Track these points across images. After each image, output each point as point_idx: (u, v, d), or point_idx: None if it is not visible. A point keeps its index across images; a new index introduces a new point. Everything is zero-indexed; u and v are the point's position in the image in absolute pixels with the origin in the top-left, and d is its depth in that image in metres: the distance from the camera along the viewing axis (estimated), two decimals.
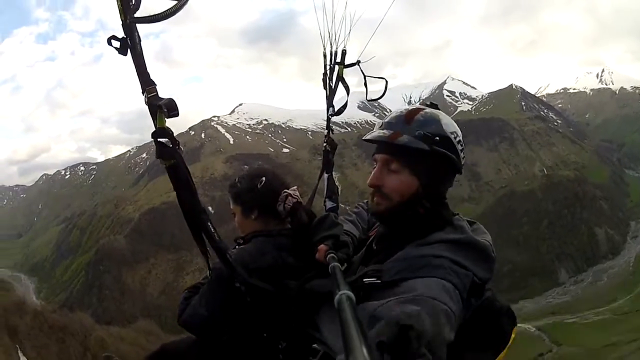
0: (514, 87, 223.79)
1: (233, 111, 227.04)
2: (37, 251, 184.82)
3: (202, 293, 2.36)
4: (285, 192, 2.44)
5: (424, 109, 1.86)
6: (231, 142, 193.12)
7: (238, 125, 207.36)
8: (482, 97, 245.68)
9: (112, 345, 18.65)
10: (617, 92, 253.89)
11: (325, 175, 3.56)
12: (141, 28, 1.61)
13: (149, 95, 1.70)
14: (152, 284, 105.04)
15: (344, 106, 3.58)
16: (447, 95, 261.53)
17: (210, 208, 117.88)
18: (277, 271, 2.15)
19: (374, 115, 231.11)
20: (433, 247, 1.70)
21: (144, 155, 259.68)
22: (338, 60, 3.51)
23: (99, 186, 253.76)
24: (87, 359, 16.16)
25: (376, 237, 2.06)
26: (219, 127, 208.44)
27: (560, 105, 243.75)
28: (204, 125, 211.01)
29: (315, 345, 1.82)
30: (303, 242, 2.14)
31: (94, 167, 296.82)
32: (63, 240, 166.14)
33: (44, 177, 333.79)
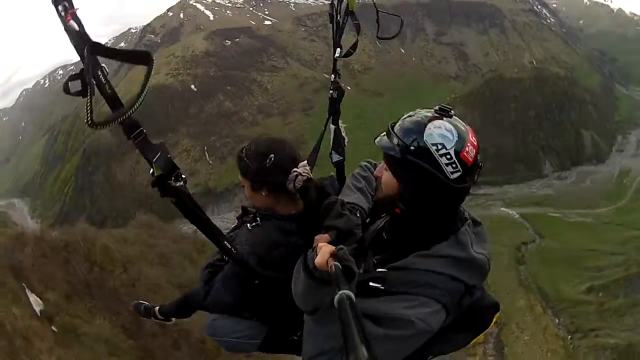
0: None
1: None
2: (26, 170, 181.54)
3: (225, 280, 2.48)
4: (295, 171, 2.42)
5: (434, 119, 1.88)
6: (211, 18, 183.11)
7: (217, 1, 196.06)
8: None
9: (117, 251, 18.89)
10: (614, 11, 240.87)
11: (332, 127, 3.28)
12: None
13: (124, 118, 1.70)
14: (141, 174, 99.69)
15: (354, 46, 3.27)
16: None
17: (192, 86, 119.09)
18: (290, 260, 2.14)
19: None
20: (436, 262, 1.89)
21: (122, 44, 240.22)
22: None
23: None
24: (94, 273, 15.71)
25: (385, 227, 2.23)
26: (198, 5, 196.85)
27: (554, 6, 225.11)
28: (183, 4, 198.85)
29: None
30: (313, 222, 2.24)
31: (72, 67, 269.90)
32: (49, 150, 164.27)
33: (24, 92, 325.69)
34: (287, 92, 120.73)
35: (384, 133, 1.99)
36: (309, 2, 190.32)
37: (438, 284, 1.86)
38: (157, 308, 4.04)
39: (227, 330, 2.80)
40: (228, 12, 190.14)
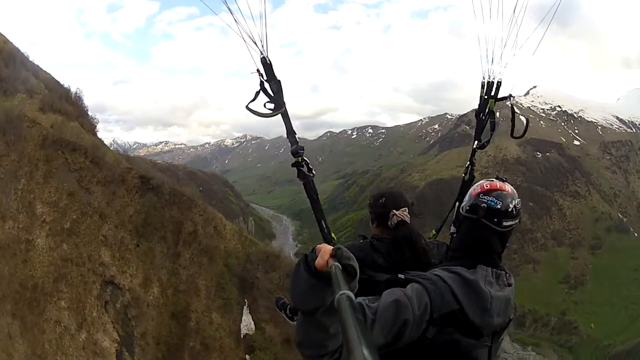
0: None
1: (527, 93, 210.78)
2: (307, 200, 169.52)
3: None
4: (393, 212, 3.11)
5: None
6: (524, 124, 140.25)
7: (532, 109, 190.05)
8: None
9: None
10: None
11: (457, 204, 3.26)
12: None
13: (291, 140, 3.26)
14: None
15: (488, 141, 4.06)
16: None
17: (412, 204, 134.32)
18: (364, 265, 2.60)
19: None
20: (449, 275, 2.27)
21: (436, 126, 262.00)
22: (492, 92, 3.96)
23: (386, 150, 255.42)
24: None
25: None
26: (514, 108, 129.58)
27: None
28: (500, 103, 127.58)
29: None
30: (395, 250, 2.95)
31: (383, 131, 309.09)
32: (338, 195, 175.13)
33: (328, 134, 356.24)
34: (582, 224, 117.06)
35: None
36: (614, 127, 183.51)
37: (438, 284, 2.21)
38: (289, 306, 4.56)
39: None
40: (542, 122, 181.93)
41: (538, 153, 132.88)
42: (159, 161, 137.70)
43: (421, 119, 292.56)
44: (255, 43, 3.17)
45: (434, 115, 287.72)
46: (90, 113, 50.37)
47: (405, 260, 2.83)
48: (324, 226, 3.23)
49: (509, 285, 2.42)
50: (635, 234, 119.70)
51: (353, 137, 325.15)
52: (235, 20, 3.15)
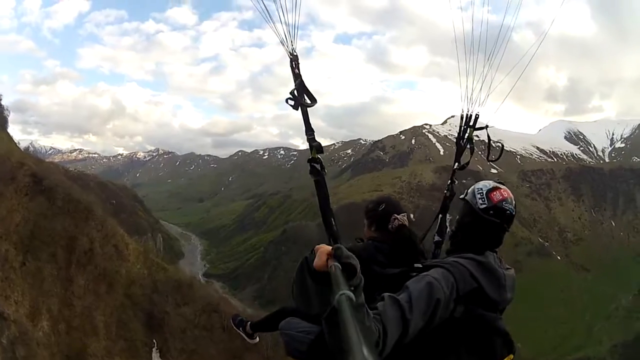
0: None
1: (445, 122, 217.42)
2: (216, 218, 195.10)
3: None
4: (395, 216, 3.40)
5: (481, 181, 2.86)
6: (441, 152, 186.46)
7: (449, 137, 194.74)
8: None
9: None
10: None
11: (440, 216, 4.42)
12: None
13: (309, 138, 3.25)
14: None
15: (467, 163, 4.62)
16: None
17: (412, 215, 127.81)
18: (369, 263, 2.96)
19: (578, 148, 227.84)
20: (464, 259, 2.54)
21: (349, 151, 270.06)
22: (471, 123, 4.61)
23: (297, 172, 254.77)
24: None
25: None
26: (430, 136, 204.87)
27: None
28: (415, 131, 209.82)
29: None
30: (397, 250, 3.23)
31: (295, 153, 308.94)
32: (248, 215, 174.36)
33: (240, 153, 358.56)
34: (501, 248, 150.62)
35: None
36: (534, 157, 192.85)
37: (458, 267, 2.48)
38: (249, 323, 4.89)
39: (294, 325, 3.40)
40: None
41: (460, 170, 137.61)
42: (71, 169, 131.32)
43: (334, 143, 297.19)
44: (284, 42, 3.43)
45: (347, 140, 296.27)
46: (6, 108, 51.09)
47: (405, 260, 3.01)
48: (334, 224, 3.23)
49: (509, 268, 2.76)
50: (559, 257, 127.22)
51: (265, 157, 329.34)
52: (269, 19, 3.45)
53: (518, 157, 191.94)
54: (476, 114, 4.58)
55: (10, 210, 31.16)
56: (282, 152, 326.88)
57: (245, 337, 4.99)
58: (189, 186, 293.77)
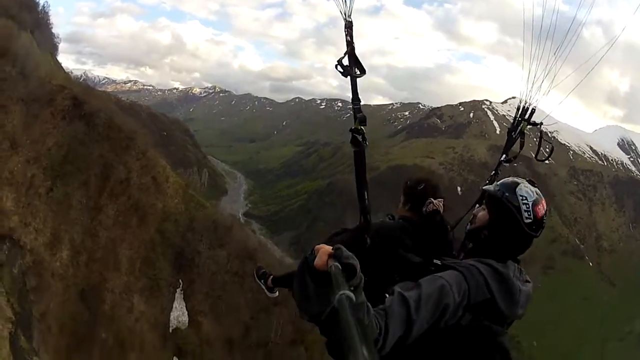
0: None
1: (505, 102, 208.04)
2: (264, 160, 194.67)
3: (345, 232, 3.50)
4: (431, 200, 3.37)
5: (525, 183, 2.62)
6: (497, 131, 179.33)
7: (508, 118, 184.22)
8: None
9: None
10: None
11: (477, 206, 3.72)
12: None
13: (354, 107, 3.02)
14: None
15: (515, 158, 4.53)
16: None
17: (459, 188, 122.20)
18: (394, 243, 3.13)
19: (629, 158, 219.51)
20: (482, 265, 2.43)
21: (407, 113, 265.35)
22: (526, 116, 4.47)
23: (352, 125, 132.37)
24: None
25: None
26: (489, 113, 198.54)
27: None
28: (474, 105, 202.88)
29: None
30: (426, 236, 3.24)
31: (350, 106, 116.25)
32: (296, 161, 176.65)
33: (297, 100, 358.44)
34: (538, 240, 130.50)
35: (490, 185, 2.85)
36: (585, 156, 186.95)
37: (473, 273, 2.37)
38: (271, 276, 4.96)
39: None
40: (513, 133, 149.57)
41: (506, 163, 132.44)
42: (123, 98, 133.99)
43: (393, 103, 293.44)
44: (340, 5, 3.18)
45: (406, 102, 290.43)
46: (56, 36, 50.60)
47: (432, 247, 3.03)
48: (366, 198, 3.05)
49: (528, 282, 2.63)
50: (590, 264, 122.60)
51: (322, 107, 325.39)
52: None
53: (570, 152, 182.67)
54: (533, 108, 4.45)
55: (43, 134, 29.92)
56: (339, 104, 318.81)
57: (265, 290, 5.07)
58: (242, 126, 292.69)
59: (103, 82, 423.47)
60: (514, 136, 4.56)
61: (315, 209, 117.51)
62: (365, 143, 2.95)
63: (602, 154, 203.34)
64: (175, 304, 34.04)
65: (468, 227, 2.83)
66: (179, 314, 34.03)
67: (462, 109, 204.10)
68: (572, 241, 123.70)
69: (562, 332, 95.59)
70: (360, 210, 3.09)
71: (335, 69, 2.97)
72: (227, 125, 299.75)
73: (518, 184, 2.60)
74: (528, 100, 4.40)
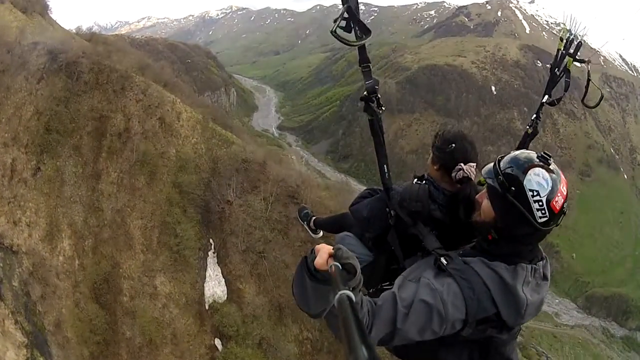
0: None
1: (533, 1, 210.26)
2: (292, 71, 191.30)
3: (371, 200, 3.39)
4: (460, 166, 2.97)
5: (535, 167, 2.20)
6: (527, 31, 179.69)
7: (536, 17, 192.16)
8: None
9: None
10: None
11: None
12: None
13: (363, 70, 2.64)
14: (407, 138, 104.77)
15: (559, 99, 3.83)
16: None
17: (493, 88, 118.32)
18: (419, 216, 2.88)
19: None
20: (489, 275, 2.25)
21: (432, 12, 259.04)
22: (571, 50, 3.78)
23: (377, 28, 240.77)
24: None
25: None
26: (517, 12, 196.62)
27: None
28: (502, 3, 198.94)
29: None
30: (454, 207, 2.85)
31: (376, 9, 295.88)
32: (325, 68, 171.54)
33: (318, 7, 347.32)
34: (575, 146, 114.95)
35: (492, 163, 2.37)
36: (616, 63, 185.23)
37: (476, 289, 2.21)
38: (314, 218, 4.91)
39: (347, 242, 3.38)
40: (544, 33, 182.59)
41: (538, 62, 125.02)
42: (137, 36, 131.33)
43: (417, 3, 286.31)
44: None
45: (430, 2, 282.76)
46: None
47: (460, 217, 2.80)
48: (386, 171, 2.94)
49: (545, 279, 2.43)
50: (625, 176, 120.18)
51: None
52: None
53: (601, 58, 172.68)
54: (579, 42, 3.78)
55: (18, 106, 25.93)
56: (362, 7, 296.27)
57: (309, 231, 5.01)
58: (264, 40, 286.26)
59: (116, 25, 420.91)
60: (557, 73, 3.75)
61: (349, 114, 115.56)
62: (381, 109, 2.71)
63: (631, 64, 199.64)
64: (209, 272, 29.26)
65: (473, 216, 2.52)
66: (213, 284, 29.08)
67: (490, 7, 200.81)
68: (608, 150, 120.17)
69: (600, 245, 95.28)
70: (382, 184, 3.02)
71: (332, 34, 2.29)
72: (249, 42, 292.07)
73: (526, 170, 2.19)
74: (574, 31, 3.74)
